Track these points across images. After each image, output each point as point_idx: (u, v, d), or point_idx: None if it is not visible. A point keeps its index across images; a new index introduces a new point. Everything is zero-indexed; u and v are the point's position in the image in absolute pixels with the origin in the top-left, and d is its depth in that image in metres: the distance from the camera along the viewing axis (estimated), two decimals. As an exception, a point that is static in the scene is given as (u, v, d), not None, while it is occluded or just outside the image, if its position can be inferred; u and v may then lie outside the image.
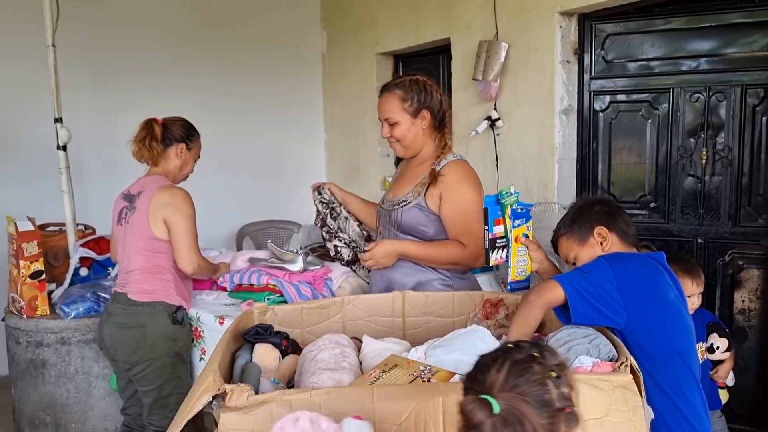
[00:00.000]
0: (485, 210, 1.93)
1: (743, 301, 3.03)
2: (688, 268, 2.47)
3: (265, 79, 5.13)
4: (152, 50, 4.54)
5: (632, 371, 1.47)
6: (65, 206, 3.15)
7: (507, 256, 1.95)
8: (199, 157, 2.69)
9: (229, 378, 1.62)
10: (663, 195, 3.19)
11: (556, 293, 1.60)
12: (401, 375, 1.56)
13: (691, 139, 3.08)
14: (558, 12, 3.22)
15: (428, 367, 1.56)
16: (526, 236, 1.95)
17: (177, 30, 4.67)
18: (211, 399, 1.36)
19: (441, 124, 2.26)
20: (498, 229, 1.95)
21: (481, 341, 1.57)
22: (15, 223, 2.83)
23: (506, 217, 1.91)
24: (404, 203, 2.25)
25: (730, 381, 2.69)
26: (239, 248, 4.76)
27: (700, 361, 2.51)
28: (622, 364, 1.48)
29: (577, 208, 1.87)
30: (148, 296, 2.47)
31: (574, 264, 1.81)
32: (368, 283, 2.78)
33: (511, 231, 1.91)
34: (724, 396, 2.71)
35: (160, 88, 4.48)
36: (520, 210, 1.91)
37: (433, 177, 2.19)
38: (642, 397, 1.45)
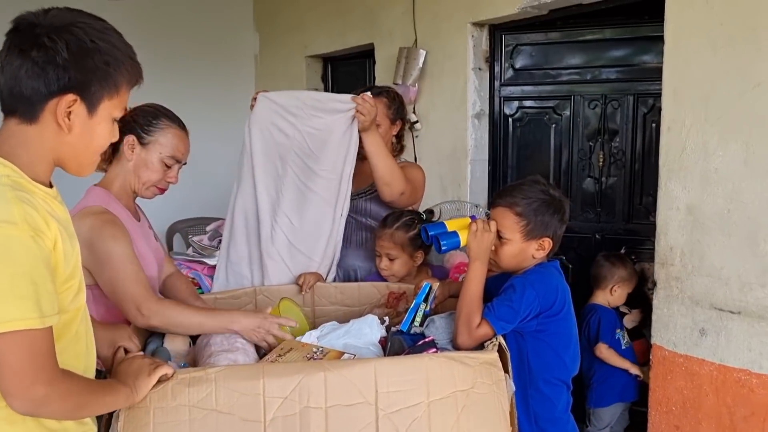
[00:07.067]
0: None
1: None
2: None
3: (198, 79, 5.18)
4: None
5: (500, 350, 1.68)
6: None
7: None
8: (178, 161, 2.10)
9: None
10: (565, 194, 3.41)
11: (486, 331, 1.75)
12: (296, 357, 1.72)
13: (590, 143, 3.34)
14: (470, 23, 3.40)
15: (320, 349, 1.72)
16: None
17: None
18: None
19: (400, 132, 2.73)
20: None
21: (368, 327, 1.74)
22: None
23: None
24: (370, 193, 2.63)
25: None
26: (169, 244, 4.83)
27: (623, 347, 2.88)
28: (491, 343, 1.69)
29: (546, 202, 1.86)
30: None
31: (500, 239, 1.83)
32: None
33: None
34: None
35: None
36: None
37: None
38: (507, 372, 1.65)
